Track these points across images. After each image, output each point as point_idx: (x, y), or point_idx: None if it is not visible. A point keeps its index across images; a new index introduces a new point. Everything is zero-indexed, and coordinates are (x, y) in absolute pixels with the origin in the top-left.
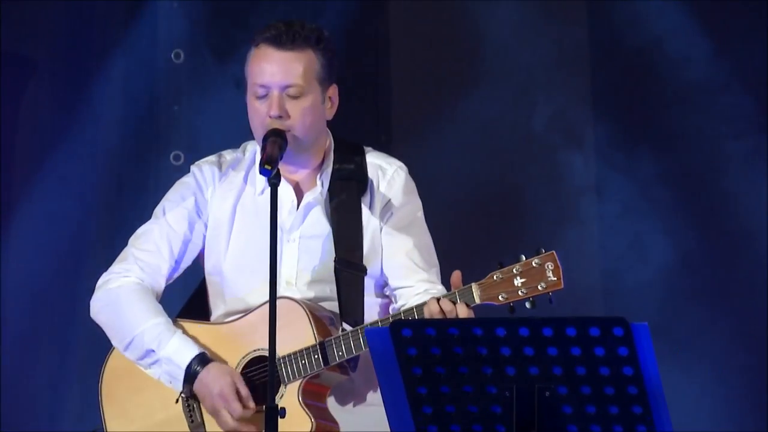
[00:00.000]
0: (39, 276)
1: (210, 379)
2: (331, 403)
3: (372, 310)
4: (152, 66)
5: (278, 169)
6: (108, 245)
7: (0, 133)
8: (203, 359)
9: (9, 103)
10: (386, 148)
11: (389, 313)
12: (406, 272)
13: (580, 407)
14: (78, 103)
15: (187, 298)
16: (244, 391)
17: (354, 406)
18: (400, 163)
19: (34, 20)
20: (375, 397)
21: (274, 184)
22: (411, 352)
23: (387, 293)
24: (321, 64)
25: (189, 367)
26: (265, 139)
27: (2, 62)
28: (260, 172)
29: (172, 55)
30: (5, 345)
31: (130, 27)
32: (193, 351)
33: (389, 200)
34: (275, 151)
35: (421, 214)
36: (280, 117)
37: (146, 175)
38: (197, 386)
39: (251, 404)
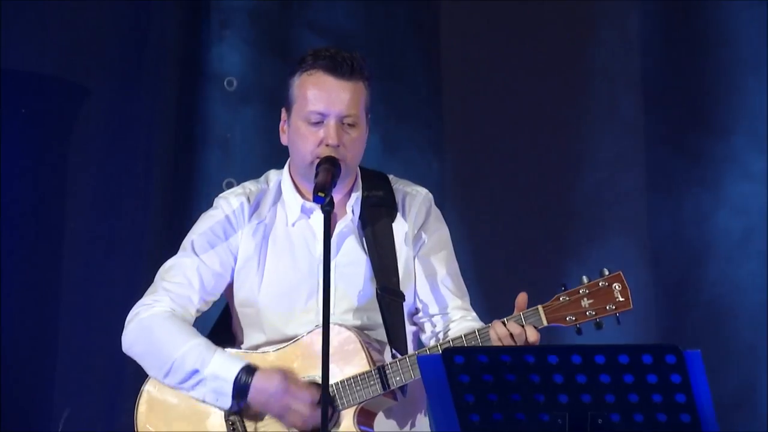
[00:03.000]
0: (94, 297)
1: (266, 383)
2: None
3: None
4: (205, 94)
5: (331, 196)
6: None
7: (51, 158)
8: (249, 369)
9: (61, 128)
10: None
11: (422, 342)
12: (442, 300)
13: None
14: (130, 130)
15: (208, 329)
16: (299, 383)
17: None
18: (426, 190)
19: (87, 47)
20: (410, 427)
21: (327, 211)
22: (463, 379)
23: (416, 321)
24: (368, 94)
25: (237, 380)
26: (318, 166)
27: (55, 86)
28: (313, 200)
29: (225, 83)
30: (60, 363)
31: (182, 55)
32: (238, 364)
33: (420, 227)
34: (328, 179)
35: (450, 240)
36: (337, 146)
37: (198, 203)
38: (253, 395)
39: (313, 391)
